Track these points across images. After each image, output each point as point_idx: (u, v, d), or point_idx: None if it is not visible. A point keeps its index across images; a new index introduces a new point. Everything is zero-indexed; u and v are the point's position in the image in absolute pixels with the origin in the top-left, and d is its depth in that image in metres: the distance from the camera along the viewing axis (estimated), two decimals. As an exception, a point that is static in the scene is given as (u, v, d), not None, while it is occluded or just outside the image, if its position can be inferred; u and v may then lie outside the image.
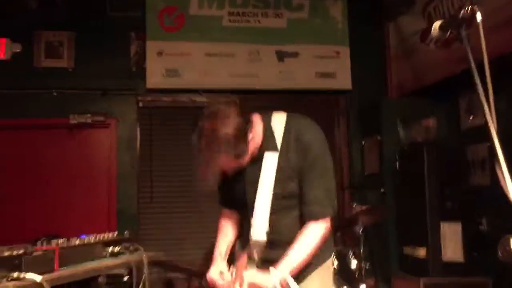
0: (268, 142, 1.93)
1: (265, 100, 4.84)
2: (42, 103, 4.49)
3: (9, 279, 1.34)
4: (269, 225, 1.92)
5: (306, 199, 1.93)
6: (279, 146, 1.92)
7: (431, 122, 4.09)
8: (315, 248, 1.91)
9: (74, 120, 4.47)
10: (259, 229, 1.92)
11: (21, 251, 1.46)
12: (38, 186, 4.49)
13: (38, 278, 1.37)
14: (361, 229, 3.78)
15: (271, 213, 1.92)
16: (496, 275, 3.57)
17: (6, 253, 1.41)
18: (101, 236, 1.89)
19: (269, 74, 4.81)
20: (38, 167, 4.52)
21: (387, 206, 4.32)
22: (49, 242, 1.64)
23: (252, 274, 1.84)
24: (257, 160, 1.94)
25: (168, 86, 4.70)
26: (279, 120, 1.98)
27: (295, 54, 4.85)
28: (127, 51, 4.72)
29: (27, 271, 1.42)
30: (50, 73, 4.55)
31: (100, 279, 1.73)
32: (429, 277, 3.70)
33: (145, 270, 1.98)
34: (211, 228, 3.91)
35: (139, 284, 2.03)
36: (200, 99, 4.79)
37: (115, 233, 2.01)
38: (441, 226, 3.83)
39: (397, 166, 4.25)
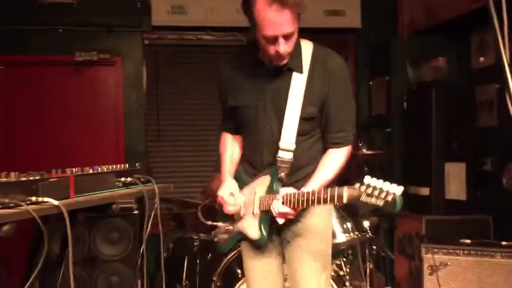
0: (295, 62, 1.94)
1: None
2: (47, 39, 4.43)
3: (27, 203, 1.38)
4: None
5: (330, 126, 2.00)
6: (306, 69, 1.94)
7: (441, 61, 4.03)
8: (337, 174, 1.98)
9: (80, 57, 4.43)
10: (286, 147, 1.94)
11: (37, 177, 1.49)
12: (45, 123, 4.52)
13: (55, 202, 1.41)
14: (365, 168, 3.83)
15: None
16: (497, 213, 3.64)
17: (23, 178, 1.44)
18: (113, 167, 1.92)
19: (277, 12, 4.68)
20: (45, 104, 4.53)
21: (394, 147, 4.36)
22: (63, 171, 1.68)
23: (287, 190, 1.87)
24: (280, 75, 1.95)
25: (174, 23, 4.61)
26: (306, 46, 1.99)
27: (304, -9, 4.70)
28: (132, -13, 4.60)
29: (43, 196, 1.46)
30: (55, 8, 4.45)
31: (114, 207, 1.78)
32: (431, 214, 3.78)
33: (157, 201, 2.03)
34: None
35: (150, 215, 2.09)
36: (206, 37, 4.72)
37: (126, 165, 2.04)
38: (446, 165, 3.86)
39: (405, 106, 4.24)
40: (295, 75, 1.94)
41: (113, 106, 4.65)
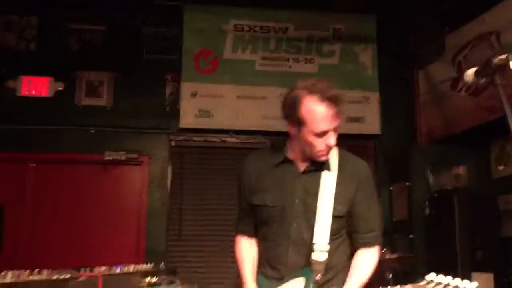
0: (314, 162, 1.97)
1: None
2: (80, 139, 4.66)
3: (57, 302, 1.40)
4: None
5: (360, 226, 1.98)
6: (335, 169, 1.98)
7: (461, 169, 4.08)
8: (371, 275, 1.93)
9: (109, 156, 4.62)
10: (321, 248, 1.90)
11: (67, 275, 1.52)
12: (71, 219, 4.60)
13: (84, 302, 1.42)
14: (390, 275, 3.73)
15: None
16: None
17: (55, 277, 1.47)
18: (140, 267, 1.94)
19: (299, 118, 4.88)
20: (72, 200, 4.65)
21: (417, 253, 4.27)
22: (92, 270, 1.71)
23: None
24: (309, 174, 1.98)
25: (200, 126, 4.84)
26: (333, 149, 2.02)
27: (325, 99, 4.93)
28: (162, 92, 4.90)
29: (72, 295, 1.48)
30: (89, 111, 4.74)
31: (138, 309, 1.77)
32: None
33: (180, 303, 2.01)
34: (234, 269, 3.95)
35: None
36: (230, 139, 4.90)
37: (151, 265, 2.06)
38: (472, 276, 3.75)
39: (427, 212, 4.22)
40: (324, 174, 1.97)
41: (137, 205, 4.73)
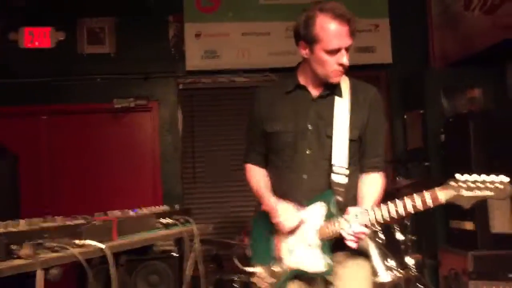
0: (336, 87, 2.01)
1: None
2: (87, 89, 4.63)
3: (73, 246, 1.42)
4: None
5: (368, 151, 2.02)
6: (347, 95, 2.00)
7: (476, 92, 3.97)
8: (380, 199, 1.95)
9: (118, 104, 4.59)
10: (341, 171, 1.93)
11: (81, 221, 1.53)
12: (86, 168, 4.66)
13: (100, 245, 1.43)
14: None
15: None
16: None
17: (68, 222, 1.48)
18: (153, 208, 1.95)
19: (307, 51, 4.77)
20: (85, 150, 4.68)
21: (433, 179, 4.26)
22: (106, 214, 1.72)
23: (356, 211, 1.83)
24: (322, 100, 2.01)
25: (207, 68, 4.75)
26: (343, 76, 2.03)
27: (332, 30, 4.78)
28: (166, 35, 4.78)
29: (88, 239, 1.49)
30: (93, 59, 4.67)
31: (154, 248, 1.80)
32: (478, 250, 3.64)
33: (196, 241, 2.04)
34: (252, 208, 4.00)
35: (189, 255, 2.09)
36: (239, 79, 4.83)
37: (166, 206, 2.07)
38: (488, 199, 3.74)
39: (442, 139, 4.16)
40: (337, 99, 1.98)
41: (150, 150, 4.76)
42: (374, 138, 2.02)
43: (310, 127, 1.98)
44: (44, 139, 4.65)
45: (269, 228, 2.05)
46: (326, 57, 1.90)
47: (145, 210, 1.90)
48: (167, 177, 4.69)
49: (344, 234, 1.81)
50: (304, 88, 2.03)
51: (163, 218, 1.93)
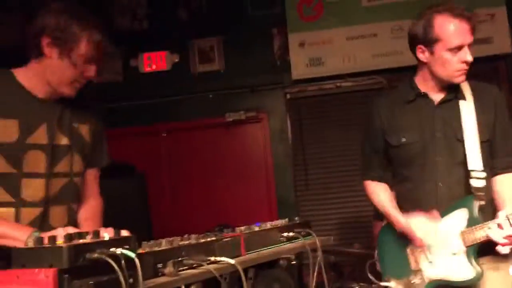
0: (456, 90, 1.98)
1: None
2: (200, 105, 4.91)
3: (208, 262, 1.52)
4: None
5: (498, 151, 1.97)
6: (469, 97, 1.97)
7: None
8: None
9: (229, 117, 4.80)
10: (479, 175, 1.89)
11: (213, 238, 1.63)
12: (204, 181, 4.92)
13: (231, 261, 1.53)
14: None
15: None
16: None
17: (202, 240, 1.59)
18: (276, 223, 2.02)
19: (414, 50, 4.61)
20: (202, 163, 4.95)
21: None
22: (233, 230, 1.81)
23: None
24: (445, 105, 1.99)
25: (313, 75, 4.79)
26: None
27: (441, 25, 4.57)
28: (270, 47, 4.91)
29: (219, 255, 1.59)
30: (204, 77, 4.94)
31: (281, 262, 1.86)
32: None
33: (319, 253, 2.07)
34: (368, 213, 3.94)
35: (315, 268, 2.13)
36: (345, 84, 4.80)
37: (287, 220, 2.13)
38: None
39: None
40: (461, 103, 1.95)
41: (262, 160, 4.90)
42: (504, 137, 1.96)
43: (438, 134, 1.95)
44: (165, 156, 4.99)
45: (400, 241, 2.03)
46: (448, 56, 1.88)
47: (267, 224, 1.97)
48: (280, 185, 4.80)
49: (497, 239, 1.77)
50: (425, 95, 2.00)
51: (285, 231, 1.99)
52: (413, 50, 1.99)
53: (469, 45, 1.91)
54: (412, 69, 4.47)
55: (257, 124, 4.94)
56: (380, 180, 2.17)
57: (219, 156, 4.95)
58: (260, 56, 4.88)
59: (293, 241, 2.00)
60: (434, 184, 1.94)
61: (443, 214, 1.93)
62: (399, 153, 2.03)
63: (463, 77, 1.93)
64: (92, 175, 2.13)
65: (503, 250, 1.77)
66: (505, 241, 1.75)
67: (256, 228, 1.87)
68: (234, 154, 4.94)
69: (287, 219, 2.14)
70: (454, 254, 1.87)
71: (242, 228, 1.82)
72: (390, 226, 2.07)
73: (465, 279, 1.86)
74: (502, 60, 4.58)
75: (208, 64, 4.93)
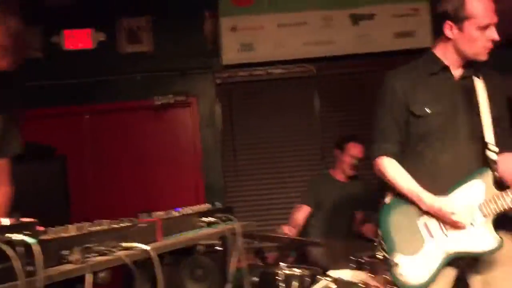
0: (473, 68, 2.08)
1: (342, 67, 4.78)
2: (127, 87, 4.73)
3: (119, 249, 1.46)
4: None
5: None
6: (481, 76, 2.08)
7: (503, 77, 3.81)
8: None
9: (158, 101, 4.68)
10: (494, 148, 1.99)
11: (127, 224, 1.57)
12: (129, 165, 4.78)
13: (146, 247, 1.47)
14: None
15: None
16: None
17: (115, 226, 1.52)
18: (196, 208, 1.98)
19: (344, 39, 4.71)
20: (128, 147, 4.80)
21: None
22: (150, 215, 1.75)
23: None
24: (464, 80, 2.08)
25: (244, 61, 4.76)
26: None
27: (370, 16, 4.69)
28: (201, 30, 4.81)
29: (133, 241, 1.53)
30: (132, 57, 4.76)
31: (199, 248, 1.83)
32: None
33: (239, 239, 2.05)
34: (296, 200, 4.00)
35: (233, 252, 2.11)
36: (276, 71, 4.81)
37: (208, 205, 2.10)
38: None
39: None
40: (476, 80, 2.06)
41: (191, 145, 4.82)
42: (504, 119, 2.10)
43: (460, 107, 2.03)
44: (88, 138, 4.79)
45: (409, 217, 2.02)
46: (477, 33, 1.96)
47: (187, 210, 1.93)
48: (208, 171, 4.75)
49: None
50: (448, 69, 2.07)
51: (205, 217, 1.96)
52: (441, 26, 2.03)
53: (495, 24, 1.99)
54: (342, 58, 4.64)
55: (186, 108, 4.85)
56: (396, 156, 2.11)
57: (146, 140, 4.82)
58: (191, 39, 4.77)
59: (214, 226, 1.97)
60: (455, 156, 2.00)
61: (459, 185, 1.98)
62: (419, 124, 2.05)
63: (487, 56, 2.01)
64: (0, 166, 1.99)
65: None
66: None
67: (175, 214, 1.82)
68: (162, 139, 4.82)
69: (209, 204, 2.11)
70: (473, 225, 1.91)
71: (160, 213, 1.77)
72: (395, 203, 2.08)
73: (487, 250, 1.90)
74: (425, 53, 4.76)
75: (136, 44, 4.76)
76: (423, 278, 1.94)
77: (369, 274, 3.01)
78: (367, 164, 3.99)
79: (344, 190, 3.93)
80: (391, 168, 2.08)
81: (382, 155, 2.12)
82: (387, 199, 2.13)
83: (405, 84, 2.08)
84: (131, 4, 4.74)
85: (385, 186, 2.14)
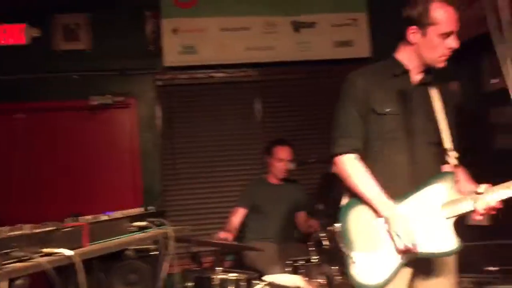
0: (431, 75, 2.15)
1: (283, 73, 4.84)
2: (63, 86, 4.56)
3: (41, 255, 1.39)
4: None
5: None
6: (437, 84, 2.15)
7: (455, 85, 4.01)
8: None
9: (94, 101, 4.53)
10: (453, 154, 2.07)
11: (51, 228, 1.50)
12: (63, 167, 4.59)
13: (69, 252, 1.42)
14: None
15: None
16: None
17: (37, 230, 1.46)
18: (127, 212, 1.93)
19: (285, 46, 4.77)
20: (62, 149, 4.62)
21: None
22: (76, 220, 1.69)
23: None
24: (421, 84, 2.14)
25: (185, 63, 4.71)
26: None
27: (311, 24, 4.79)
28: (143, 30, 4.72)
29: (57, 247, 1.47)
30: (69, 55, 4.60)
31: (127, 252, 1.78)
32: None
33: (171, 244, 2.02)
34: (235, 204, 4.00)
35: (165, 257, 2.08)
36: (217, 74, 4.80)
37: (141, 208, 2.05)
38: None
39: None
40: (432, 88, 2.14)
41: (129, 147, 4.71)
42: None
43: (417, 111, 2.07)
44: (20, 138, 4.56)
45: (371, 216, 2.01)
46: (438, 40, 2.01)
47: (118, 214, 1.87)
48: (147, 174, 4.65)
49: (479, 209, 1.88)
50: (408, 73, 2.13)
51: (137, 221, 1.91)
52: (405, 29, 2.10)
53: (457, 33, 2.04)
54: (283, 64, 4.70)
55: (125, 109, 4.73)
56: (358, 152, 2.09)
57: (83, 141, 4.65)
58: (131, 38, 4.66)
59: (145, 230, 1.93)
60: (411, 158, 2.03)
61: (419, 188, 2.00)
62: (379, 122, 2.07)
63: (444, 64, 2.07)
64: None
65: (479, 219, 1.93)
66: (483, 212, 1.89)
67: (104, 218, 1.77)
68: (98, 140, 4.68)
69: (142, 208, 2.06)
70: (435, 227, 1.93)
71: (87, 217, 1.71)
72: (353, 202, 2.08)
73: (448, 251, 1.93)
74: (364, 63, 4.89)
75: (73, 42, 4.59)
76: (380, 278, 1.95)
77: (304, 278, 3.07)
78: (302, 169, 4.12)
79: (277, 193, 3.99)
80: (354, 168, 2.06)
81: (346, 151, 2.09)
82: (345, 199, 2.14)
83: (368, 81, 2.11)
84: (68, 0, 4.57)
85: (344, 185, 2.15)
